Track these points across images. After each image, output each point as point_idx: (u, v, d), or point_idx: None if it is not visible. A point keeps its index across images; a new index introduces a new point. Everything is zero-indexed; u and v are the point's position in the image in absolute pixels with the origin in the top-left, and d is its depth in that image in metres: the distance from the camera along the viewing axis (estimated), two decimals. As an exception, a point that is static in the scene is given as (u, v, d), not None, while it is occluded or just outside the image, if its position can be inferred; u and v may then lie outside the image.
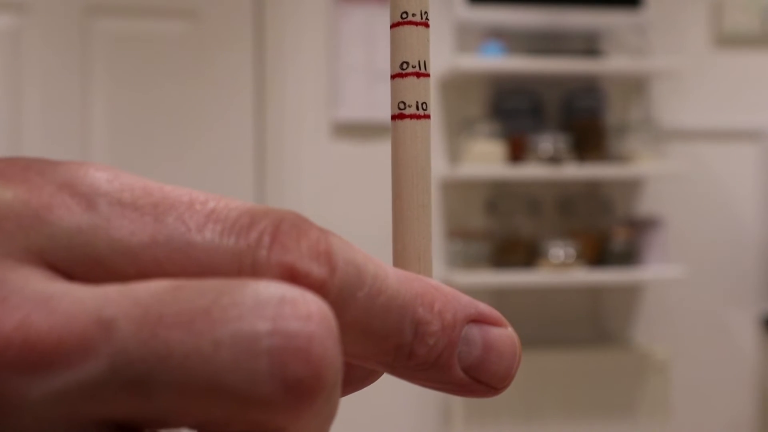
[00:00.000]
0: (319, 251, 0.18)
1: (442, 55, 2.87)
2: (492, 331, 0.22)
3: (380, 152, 2.89)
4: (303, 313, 0.16)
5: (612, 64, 2.90)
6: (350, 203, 2.88)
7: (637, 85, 3.07)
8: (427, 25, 0.24)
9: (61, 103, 2.76)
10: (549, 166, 2.78)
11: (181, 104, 2.81)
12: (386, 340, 0.20)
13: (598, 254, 2.90)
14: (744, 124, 3.12)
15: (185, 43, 2.83)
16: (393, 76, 0.24)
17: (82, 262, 0.17)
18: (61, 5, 2.77)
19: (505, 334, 0.22)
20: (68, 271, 0.17)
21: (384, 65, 2.87)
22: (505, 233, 2.92)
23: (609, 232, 2.92)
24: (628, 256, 2.88)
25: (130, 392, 0.16)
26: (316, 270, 0.18)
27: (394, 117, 0.24)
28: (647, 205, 3.06)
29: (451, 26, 2.90)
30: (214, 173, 2.82)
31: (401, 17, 0.24)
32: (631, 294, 3.08)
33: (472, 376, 0.21)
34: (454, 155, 2.89)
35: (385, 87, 2.87)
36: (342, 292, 0.18)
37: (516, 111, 2.94)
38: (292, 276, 0.18)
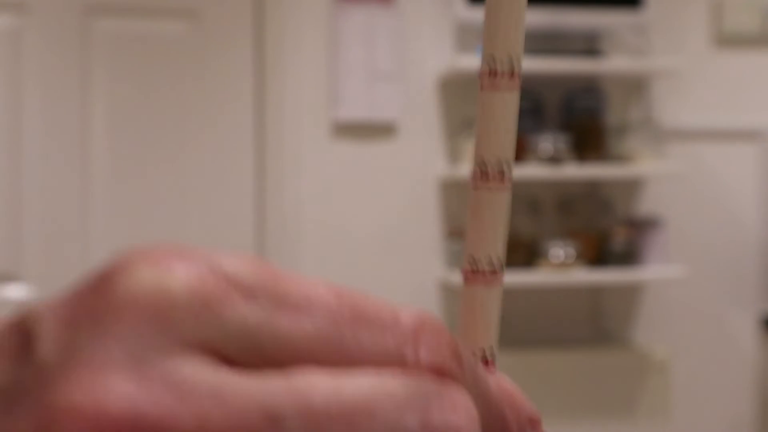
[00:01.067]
0: (455, 354, 0.19)
1: (442, 55, 2.87)
2: None
3: (380, 152, 2.89)
4: (450, 406, 0.18)
5: (612, 64, 2.90)
6: (350, 203, 2.88)
7: (637, 85, 3.07)
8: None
9: (61, 103, 2.76)
10: (549, 166, 2.78)
11: (181, 104, 2.81)
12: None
13: (598, 254, 2.90)
14: (744, 124, 3.12)
15: (185, 43, 2.83)
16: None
17: (246, 353, 0.18)
18: (61, 5, 2.77)
19: None
20: (232, 358, 0.18)
21: (384, 65, 2.87)
22: (505, 233, 2.92)
23: (609, 232, 2.92)
24: (628, 256, 2.88)
25: None
26: (456, 370, 0.19)
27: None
28: (647, 205, 3.06)
29: (451, 26, 2.90)
30: (214, 173, 2.82)
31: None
32: (631, 294, 3.08)
33: None
34: (454, 155, 2.89)
35: (385, 87, 2.87)
36: (468, 387, 0.20)
37: (516, 111, 2.93)
38: (438, 373, 0.19)
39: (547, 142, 2.81)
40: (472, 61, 2.82)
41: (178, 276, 0.18)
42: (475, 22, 2.87)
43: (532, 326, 2.99)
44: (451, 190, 2.92)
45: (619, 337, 3.08)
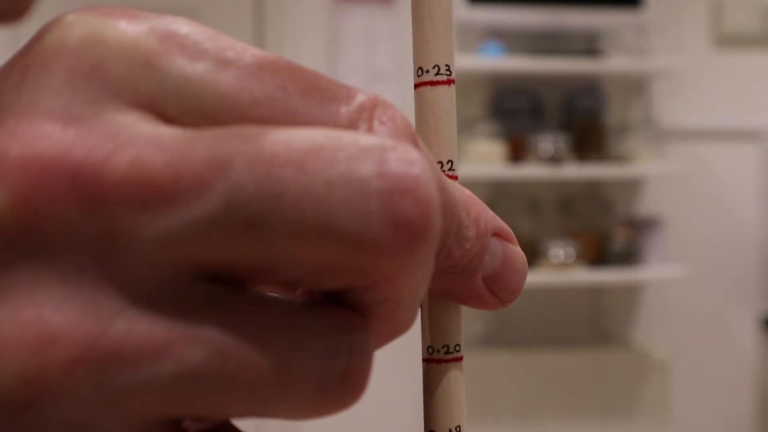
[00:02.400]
0: (410, 134, 0.18)
1: (442, 55, 2.87)
2: (510, 247, 0.22)
3: (380, 152, 2.89)
4: (407, 157, 0.17)
5: (612, 64, 2.90)
6: (350, 203, 2.88)
7: (637, 85, 3.07)
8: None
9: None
10: (549, 166, 2.78)
11: (181, 104, 2.82)
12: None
13: (598, 254, 2.90)
14: (744, 124, 3.12)
15: (185, 43, 2.83)
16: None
17: (188, 112, 0.17)
18: (61, 5, 2.77)
19: (519, 252, 0.22)
20: (176, 119, 0.17)
21: (384, 65, 2.87)
22: (505, 233, 2.92)
23: (609, 232, 2.92)
24: (628, 256, 2.88)
25: (242, 233, 0.16)
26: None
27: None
28: (647, 205, 3.07)
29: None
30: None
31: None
32: (631, 294, 3.08)
33: (488, 287, 0.22)
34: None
35: (385, 87, 2.87)
36: None
37: (516, 111, 2.94)
38: None
39: (547, 142, 2.81)
40: (472, 61, 2.82)
41: (117, 27, 0.17)
42: (476, 22, 2.87)
43: (532, 326, 2.99)
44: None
45: (619, 337, 3.08)
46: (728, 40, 3.12)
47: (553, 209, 3.00)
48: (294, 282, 0.17)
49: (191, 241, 0.16)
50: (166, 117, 0.17)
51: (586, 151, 2.87)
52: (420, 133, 0.23)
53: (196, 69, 0.17)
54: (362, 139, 0.17)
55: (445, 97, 0.23)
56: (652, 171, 2.92)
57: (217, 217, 0.16)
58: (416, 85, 0.23)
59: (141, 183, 0.16)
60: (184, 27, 0.18)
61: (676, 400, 3.03)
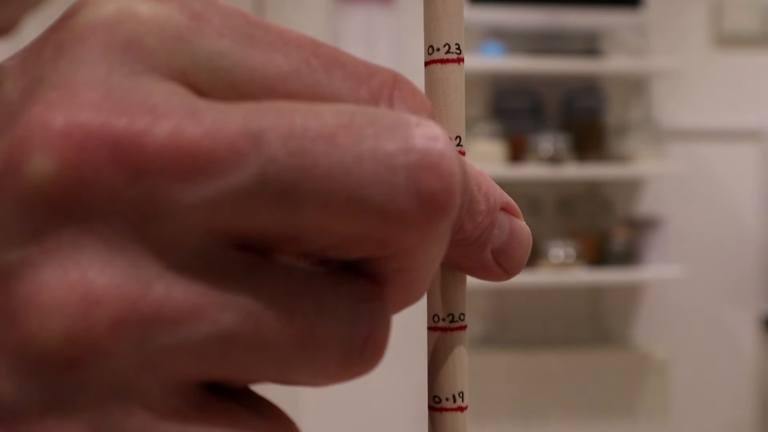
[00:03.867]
0: (427, 109, 0.19)
1: (442, 55, 2.87)
2: (516, 221, 0.23)
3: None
4: (431, 134, 0.17)
5: (612, 64, 2.90)
6: (350, 203, 2.88)
7: (637, 85, 3.07)
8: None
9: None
10: (549, 166, 2.78)
11: (181, 104, 2.82)
12: None
13: (598, 254, 2.90)
14: (744, 124, 3.12)
15: (185, 43, 2.83)
16: None
17: (220, 86, 0.18)
18: (61, 5, 2.77)
19: (524, 226, 0.23)
20: (205, 92, 0.18)
21: (384, 65, 2.87)
22: (505, 233, 2.92)
23: (609, 232, 2.92)
24: (628, 256, 2.88)
25: (275, 203, 0.17)
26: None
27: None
28: (647, 205, 3.07)
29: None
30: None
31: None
32: (631, 294, 3.08)
33: (495, 259, 0.23)
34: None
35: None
36: None
37: (516, 111, 2.94)
38: None
39: (547, 142, 2.81)
40: (472, 61, 2.82)
41: (149, 3, 0.18)
42: (476, 22, 2.87)
43: (532, 326, 2.99)
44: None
45: (619, 337, 3.08)
46: (728, 40, 3.12)
47: (553, 209, 3.00)
48: (319, 251, 0.18)
49: (226, 209, 0.17)
50: (198, 89, 0.18)
51: (586, 151, 2.87)
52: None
53: (225, 44, 0.18)
54: (388, 115, 0.18)
55: (455, 75, 0.23)
56: (652, 171, 2.91)
57: (251, 188, 0.17)
58: (426, 63, 0.24)
59: (180, 153, 0.16)
60: (212, 5, 0.19)
61: (676, 400, 3.03)
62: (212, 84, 0.18)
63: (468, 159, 0.22)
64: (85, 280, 0.16)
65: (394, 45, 2.88)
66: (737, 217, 3.13)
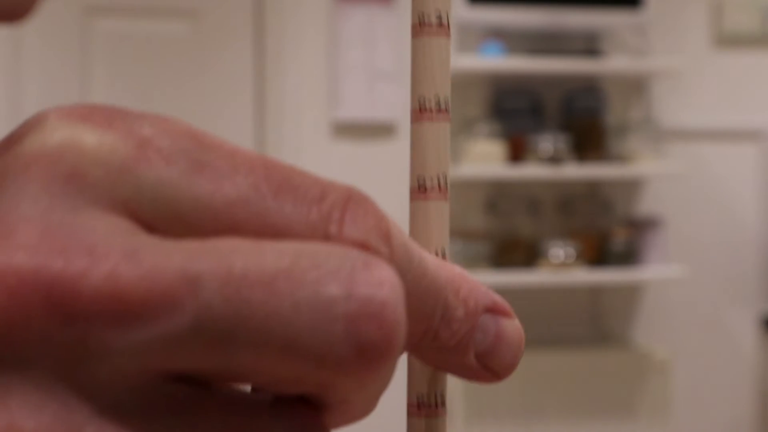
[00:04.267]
0: (381, 230, 0.18)
1: (442, 55, 2.87)
2: (503, 322, 0.22)
3: (380, 152, 2.89)
4: (376, 279, 0.17)
5: (612, 64, 2.90)
6: (350, 203, 2.88)
7: (637, 85, 3.07)
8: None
9: (61, 103, 2.75)
10: (549, 166, 2.78)
11: (181, 104, 2.81)
12: (420, 323, 0.20)
13: (598, 254, 2.90)
14: (744, 124, 3.12)
15: (185, 43, 2.83)
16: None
17: (163, 216, 0.18)
18: (61, 5, 2.77)
19: (514, 326, 0.22)
20: (150, 224, 0.18)
21: (384, 65, 2.87)
22: (505, 233, 2.92)
23: (609, 232, 2.92)
24: (628, 256, 2.88)
25: (209, 349, 0.17)
26: (382, 248, 0.18)
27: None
28: (647, 205, 3.06)
29: (451, 26, 2.89)
30: (214, 173, 2.82)
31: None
32: (631, 294, 3.08)
33: (482, 363, 0.22)
34: (454, 155, 2.89)
35: (385, 87, 2.87)
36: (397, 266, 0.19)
37: (516, 111, 2.94)
38: (362, 250, 0.18)
39: (547, 142, 2.81)
40: (472, 61, 2.82)
41: (94, 133, 0.18)
42: (476, 22, 2.87)
43: (532, 326, 2.99)
44: (450, 189, 2.92)
45: (619, 337, 3.08)
46: (728, 40, 3.12)
47: (553, 209, 3.00)
48: (258, 386, 0.18)
49: (159, 353, 0.17)
50: (143, 221, 0.18)
51: (586, 151, 2.87)
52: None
53: (171, 173, 0.18)
54: (333, 256, 0.17)
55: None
56: (652, 171, 2.91)
57: (185, 334, 0.16)
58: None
59: (114, 298, 0.16)
60: (162, 129, 0.18)
61: (676, 400, 3.03)
62: (157, 215, 0.18)
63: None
64: (13, 424, 0.16)
65: (394, 45, 2.88)
66: (737, 217, 3.13)
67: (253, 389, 0.20)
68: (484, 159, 2.76)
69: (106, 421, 0.17)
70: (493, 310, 0.22)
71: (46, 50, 2.75)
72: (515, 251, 2.86)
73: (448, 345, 0.21)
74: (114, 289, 0.16)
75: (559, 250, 2.81)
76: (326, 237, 0.18)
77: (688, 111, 3.09)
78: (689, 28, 3.10)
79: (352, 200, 0.19)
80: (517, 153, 2.84)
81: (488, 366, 0.22)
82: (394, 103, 2.87)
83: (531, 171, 2.79)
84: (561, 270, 2.79)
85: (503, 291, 2.98)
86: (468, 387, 2.81)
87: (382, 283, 0.17)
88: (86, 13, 2.79)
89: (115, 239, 0.17)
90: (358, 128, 2.88)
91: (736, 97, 3.12)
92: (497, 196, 2.95)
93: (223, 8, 2.86)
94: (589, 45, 3.00)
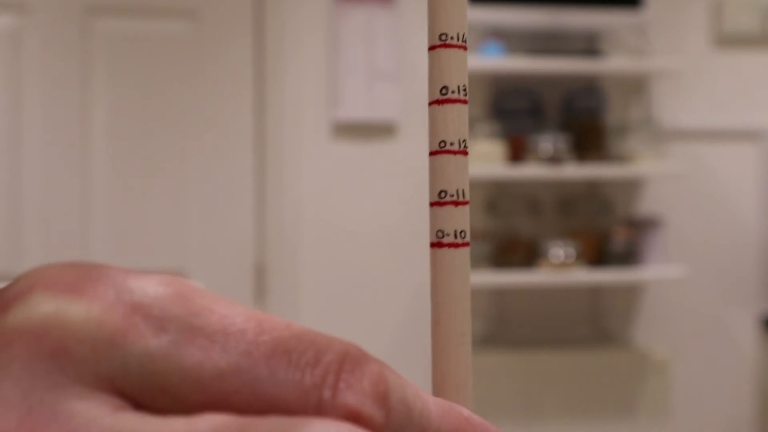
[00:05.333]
0: (378, 393, 0.18)
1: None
2: None
3: (380, 152, 2.89)
4: None
5: (612, 64, 2.90)
6: (350, 203, 2.88)
7: (637, 85, 3.07)
8: (465, 153, 0.24)
9: (61, 103, 2.76)
10: (549, 166, 2.78)
11: (181, 104, 2.81)
12: None
13: (598, 254, 2.90)
14: (744, 124, 3.12)
15: (185, 43, 2.83)
16: (432, 204, 0.24)
17: (150, 391, 0.17)
18: (61, 5, 2.77)
19: None
20: (136, 398, 0.17)
21: (384, 65, 2.87)
22: (505, 233, 2.92)
23: (609, 232, 2.92)
24: (628, 256, 2.88)
25: None
26: (377, 414, 0.18)
27: (432, 245, 0.24)
28: (647, 205, 3.06)
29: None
30: (214, 173, 2.82)
31: (439, 146, 0.24)
32: (631, 294, 3.08)
33: None
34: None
35: (385, 87, 2.87)
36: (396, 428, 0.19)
37: (516, 111, 2.94)
38: (355, 419, 0.18)
39: (547, 142, 2.81)
40: (472, 61, 2.82)
41: (81, 306, 0.17)
42: (476, 22, 2.87)
43: (532, 326, 2.99)
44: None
45: (619, 337, 3.08)
46: (728, 40, 3.12)
47: (553, 209, 3.00)
48: None
49: None
50: (129, 396, 0.17)
51: (586, 151, 2.87)
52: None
53: (159, 344, 0.17)
54: None
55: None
56: (652, 171, 2.91)
57: None
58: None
59: None
60: (151, 292, 0.18)
61: (676, 400, 3.02)
62: (143, 389, 0.17)
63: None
64: None
65: (394, 45, 2.88)
66: (737, 217, 3.13)
67: None
68: (484, 159, 2.76)
69: None
70: None
71: (46, 50, 2.75)
72: (515, 251, 2.86)
73: None
74: None
75: (559, 250, 2.81)
76: (319, 404, 0.18)
77: (688, 111, 3.09)
78: (689, 28, 3.10)
79: (348, 361, 0.18)
80: (517, 153, 2.84)
81: None
82: (394, 103, 2.87)
83: (531, 171, 2.79)
84: (561, 270, 2.79)
85: (503, 291, 2.99)
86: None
87: None
88: (86, 13, 2.79)
89: (96, 424, 0.16)
90: (358, 128, 2.88)
91: (736, 97, 3.12)
92: (497, 196, 2.95)
93: (223, 8, 2.86)
94: (589, 45, 3.00)
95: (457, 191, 0.24)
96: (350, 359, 0.18)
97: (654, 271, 2.90)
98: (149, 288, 0.18)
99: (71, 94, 2.76)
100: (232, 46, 2.85)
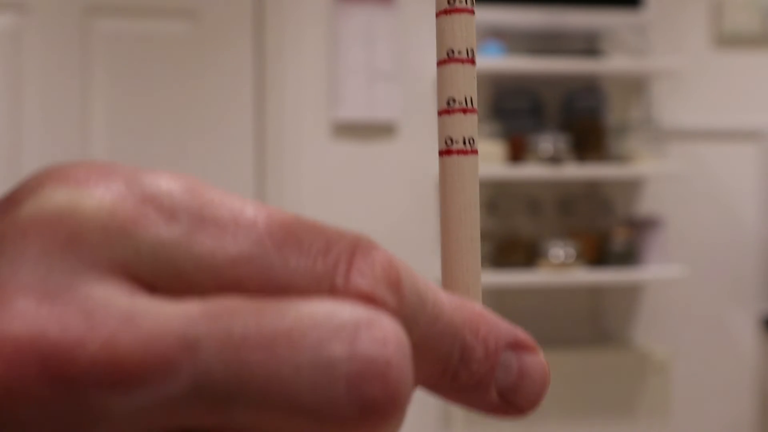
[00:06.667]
0: (390, 279, 0.18)
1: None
2: (527, 358, 0.22)
3: (380, 152, 2.89)
4: (380, 337, 0.17)
5: (612, 64, 2.90)
6: (350, 203, 2.88)
7: (637, 85, 3.07)
8: (473, 63, 0.24)
9: (61, 103, 2.76)
10: (549, 166, 2.78)
11: (181, 104, 2.81)
12: (437, 364, 0.20)
13: (598, 254, 2.90)
14: (744, 124, 3.12)
15: (185, 43, 2.83)
16: (440, 113, 0.24)
17: (164, 277, 0.18)
18: (61, 5, 2.77)
19: (538, 362, 0.22)
20: (150, 283, 0.18)
21: (384, 65, 2.87)
22: (505, 233, 2.92)
23: (609, 232, 2.92)
24: (628, 256, 2.88)
25: (208, 410, 0.17)
26: (390, 299, 0.18)
27: (441, 153, 0.24)
28: (647, 205, 3.06)
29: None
30: (214, 173, 2.82)
31: (447, 55, 0.24)
32: (631, 294, 3.08)
33: (506, 399, 0.22)
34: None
35: (385, 87, 2.87)
36: (407, 320, 0.19)
37: (516, 111, 2.94)
38: (368, 303, 0.18)
39: (547, 142, 2.81)
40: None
41: (93, 195, 0.18)
42: (476, 22, 2.86)
43: (532, 326, 2.99)
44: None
45: (619, 337, 3.08)
46: (728, 40, 3.12)
47: (553, 209, 3.00)
48: None
49: (159, 415, 0.17)
50: (143, 281, 0.18)
51: (586, 151, 2.87)
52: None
53: (171, 232, 0.18)
54: (337, 314, 0.17)
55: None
56: (652, 171, 2.91)
57: (184, 397, 0.16)
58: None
59: (112, 365, 0.16)
60: (162, 184, 0.18)
61: (676, 400, 3.02)
62: (158, 275, 0.18)
63: (467, 294, 0.22)
64: None
65: (394, 45, 2.88)
66: (737, 217, 3.13)
67: None
68: (484, 159, 2.76)
69: None
70: (515, 346, 0.22)
71: (46, 50, 2.75)
72: (515, 251, 2.86)
73: (469, 384, 0.21)
74: (111, 355, 0.16)
75: (559, 250, 2.81)
76: (332, 290, 0.18)
77: (688, 111, 3.09)
78: (689, 28, 3.10)
79: (359, 250, 0.18)
80: (517, 153, 2.84)
81: (512, 402, 0.22)
82: (394, 103, 2.87)
83: (531, 171, 2.79)
84: (561, 270, 2.79)
85: (503, 291, 2.99)
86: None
87: (386, 342, 0.17)
88: (86, 13, 2.79)
89: (113, 304, 0.17)
90: (358, 128, 2.88)
91: (736, 97, 3.12)
92: (497, 196, 2.95)
93: (223, 8, 2.86)
94: (589, 45, 3.00)
95: (466, 99, 0.24)
96: (361, 248, 0.18)
97: (654, 271, 2.90)
98: (160, 181, 0.18)
99: (71, 94, 2.76)
100: (232, 46, 2.85)
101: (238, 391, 0.16)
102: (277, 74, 2.84)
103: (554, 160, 2.79)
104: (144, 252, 0.18)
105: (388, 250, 0.19)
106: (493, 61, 2.84)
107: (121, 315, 0.17)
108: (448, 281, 0.24)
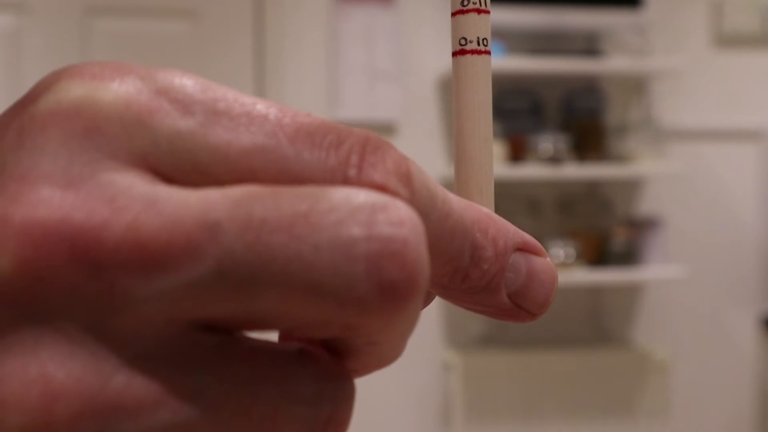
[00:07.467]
0: (402, 172, 0.19)
1: (442, 55, 2.87)
2: (535, 261, 0.23)
3: (380, 152, 2.89)
4: (396, 218, 0.17)
5: (612, 64, 2.90)
6: (350, 203, 2.88)
7: (637, 85, 3.07)
8: (488, 13, 0.24)
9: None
10: (549, 166, 2.78)
11: (181, 104, 2.81)
12: (448, 263, 0.21)
13: (598, 254, 2.90)
14: (744, 124, 3.12)
15: (185, 43, 2.83)
16: (453, 13, 0.24)
17: (181, 167, 0.18)
18: (61, 5, 2.77)
19: (546, 264, 0.23)
20: (168, 175, 0.18)
21: (384, 65, 2.87)
22: (505, 233, 2.92)
23: (609, 232, 2.92)
24: (628, 256, 2.88)
25: (232, 294, 0.17)
26: (402, 191, 0.18)
27: (455, 53, 0.24)
28: (647, 205, 3.06)
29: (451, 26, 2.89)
30: (214, 173, 2.82)
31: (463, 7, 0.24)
32: (631, 294, 3.08)
33: (515, 302, 0.22)
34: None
35: (385, 87, 2.87)
36: (419, 213, 0.19)
37: (516, 111, 2.94)
38: (382, 192, 0.18)
39: (547, 142, 2.81)
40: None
41: (109, 88, 0.18)
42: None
43: (532, 326, 2.99)
44: (451, 189, 2.91)
45: (619, 337, 3.08)
46: (728, 40, 3.12)
47: (553, 209, 3.00)
48: (284, 332, 0.19)
49: (184, 300, 0.17)
50: (161, 173, 0.18)
51: (586, 151, 2.87)
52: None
53: (187, 124, 0.18)
54: (353, 198, 0.17)
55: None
56: (652, 171, 2.91)
57: (208, 281, 0.17)
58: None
59: (137, 247, 0.17)
60: (175, 80, 0.19)
61: (676, 400, 3.03)
62: (174, 166, 0.18)
63: (477, 198, 0.22)
64: (44, 375, 0.16)
65: (394, 45, 2.88)
66: (737, 217, 3.13)
67: (279, 339, 0.20)
68: (484, 159, 2.76)
69: (135, 370, 0.17)
70: (523, 249, 0.22)
71: (46, 50, 2.75)
72: (515, 251, 2.86)
73: (479, 285, 0.21)
74: (136, 238, 0.17)
75: (559, 250, 2.81)
76: (345, 181, 0.18)
77: (688, 111, 3.09)
78: (689, 28, 3.10)
79: (370, 144, 0.19)
80: (517, 153, 2.84)
81: (522, 305, 0.22)
82: (394, 103, 2.87)
83: (531, 171, 2.79)
84: (561, 270, 2.79)
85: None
86: (468, 387, 2.81)
87: (402, 223, 0.17)
88: (86, 13, 2.79)
89: (135, 191, 0.17)
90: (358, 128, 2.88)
91: (736, 97, 3.12)
92: (497, 196, 2.93)
93: (223, 8, 2.86)
94: (589, 45, 3.00)
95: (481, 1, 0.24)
96: (372, 143, 0.19)
97: (654, 271, 2.90)
98: (174, 77, 0.19)
99: (71, 94, 2.77)
100: (232, 46, 2.85)
101: (260, 273, 0.17)
102: (277, 74, 2.84)
103: (554, 160, 2.79)
104: (161, 143, 0.18)
105: (397, 148, 0.19)
106: (493, 61, 2.84)
107: (143, 200, 0.17)
108: (461, 181, 0.24)
